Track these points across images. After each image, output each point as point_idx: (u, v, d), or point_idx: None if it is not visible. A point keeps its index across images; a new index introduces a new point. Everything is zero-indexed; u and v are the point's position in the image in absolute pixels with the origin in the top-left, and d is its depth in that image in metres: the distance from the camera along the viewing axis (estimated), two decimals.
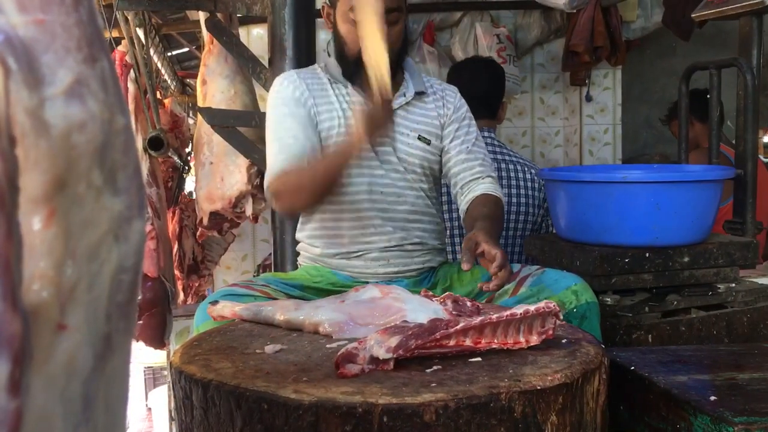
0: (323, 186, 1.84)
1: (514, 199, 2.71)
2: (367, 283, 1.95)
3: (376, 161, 1.97)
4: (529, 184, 2.73)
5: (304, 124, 1.93)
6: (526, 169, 2.76)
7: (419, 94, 2.06)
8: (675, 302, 2.01)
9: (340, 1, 1.93)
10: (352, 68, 1.96)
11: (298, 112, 1.94)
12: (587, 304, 1.74)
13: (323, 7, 2.04)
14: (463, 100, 2.14)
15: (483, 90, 2.80)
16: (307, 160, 1.88)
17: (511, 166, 2.73)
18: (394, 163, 1.99)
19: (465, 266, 1.67)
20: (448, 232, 2.69)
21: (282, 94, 1.98)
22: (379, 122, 1.72)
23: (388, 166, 1.99)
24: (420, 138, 2.02)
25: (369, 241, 1.97)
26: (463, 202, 2.03)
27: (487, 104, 2.82)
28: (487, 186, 2.02)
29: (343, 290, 1.87)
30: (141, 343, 3.39)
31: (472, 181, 2.03)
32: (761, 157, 3.38)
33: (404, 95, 2.04)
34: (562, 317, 1.58)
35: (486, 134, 2.78)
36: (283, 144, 1.92)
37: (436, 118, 2.06)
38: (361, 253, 1.98)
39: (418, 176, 2.02)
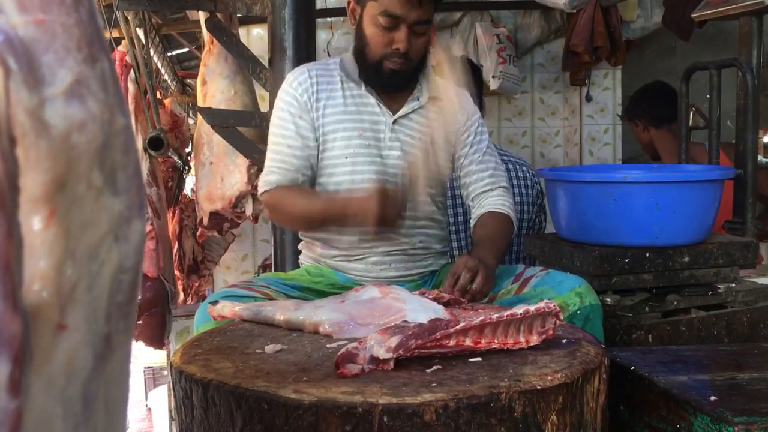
0: (316, 227, 1.93)
1: None
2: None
3: (380, 167, 1.95)
4: (522, 182, 2.74)
5: (304, 134, 1.93)
6: (518, 167, 2.76)
7: (434, 99, 2.01)
8: (675, 302, 2.01)
9: (371, 3, 1.87)
10: (370, 70, 1.94)
11: (300, 122, 1.93)
12: (591, 306, 1.74)
13: (349, 2, 1.97)
14: (476, 107, 2.13)
15: (467, 90, 2.79)
16: (301, 175, 1.91)
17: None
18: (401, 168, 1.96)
19: (445, 290, 1.71)
20: (452, 235, 2.69)
21: (291, 94, 1.96)
22: (392, 212, 1.69)
23: (393, 170, 1.95)
24: None
25: (370, 246, 1.95)
26: (472, 219, 2.05)
27: None
28: (494, 201, 2.02)
29: (343, 291, 1.87)
30: (141, 343, 3.39)
31: (482, 193, 2.04)
32: (761, 157, 3.37)
33: (417, 99, 2.00)
34: (563, 318, 1.58)
35: None
36: (281, 151, 1.93)
37: None
38: (362, 256, 1.96)
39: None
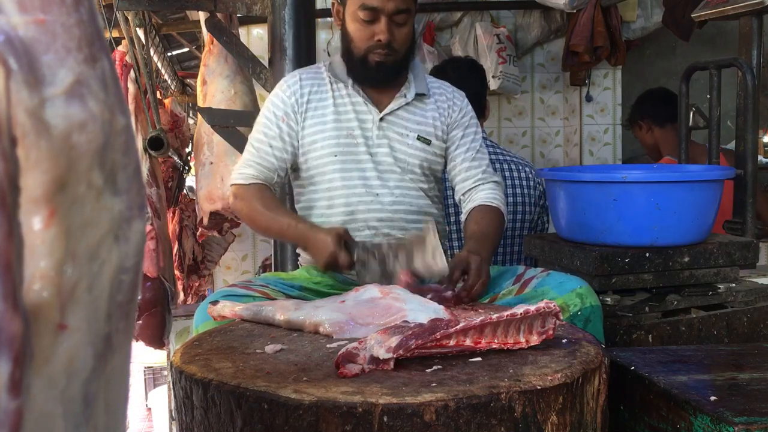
0: (273, 237, 2.08)
1: (510, 198, 2.71)
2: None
3: (370, 164, 1.99)
4: (525, 182, 2.73)
5: (285, 139, 1.99)
6: (520, 167, 2.76)
7: (420, 96, 2.07)
8: (675, 302, 2.01)
9: (350, 0, 1.94)
10: (357, 66, 1.99)
11: (284, 126, 1.99)
12: (591, 308, 1.74)
13: (333, 4, 2.05)
14: (470, 106, 2.15)
15: (472, 90, 2.79)
16: (276, 175, 1.99)
17: (505, 165, 2.73)
18: (390, 164, 2.00)
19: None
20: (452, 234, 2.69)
21: (279, 97, 2.03)
22: (343, 261, 1.77)
23: (383, 167, 2.00)
24: (419, 138, 2.03)
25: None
26: (463, 213, 2.06)
27: (477, 104, 2.81)
28: (486, 195, 2.04)
29: (343, 291, 1.87)
30: (141, 343, 3.39)
31: (473, 188, 2.06)
32: (761, 157, 3.37)
33: (404, 96, 2.04)
34: (564, 319, 1.58)
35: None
36: (262, 148, 1.99)
37: (438, 119, 2.07)
38: None
39: (418, 176, 2.03)
